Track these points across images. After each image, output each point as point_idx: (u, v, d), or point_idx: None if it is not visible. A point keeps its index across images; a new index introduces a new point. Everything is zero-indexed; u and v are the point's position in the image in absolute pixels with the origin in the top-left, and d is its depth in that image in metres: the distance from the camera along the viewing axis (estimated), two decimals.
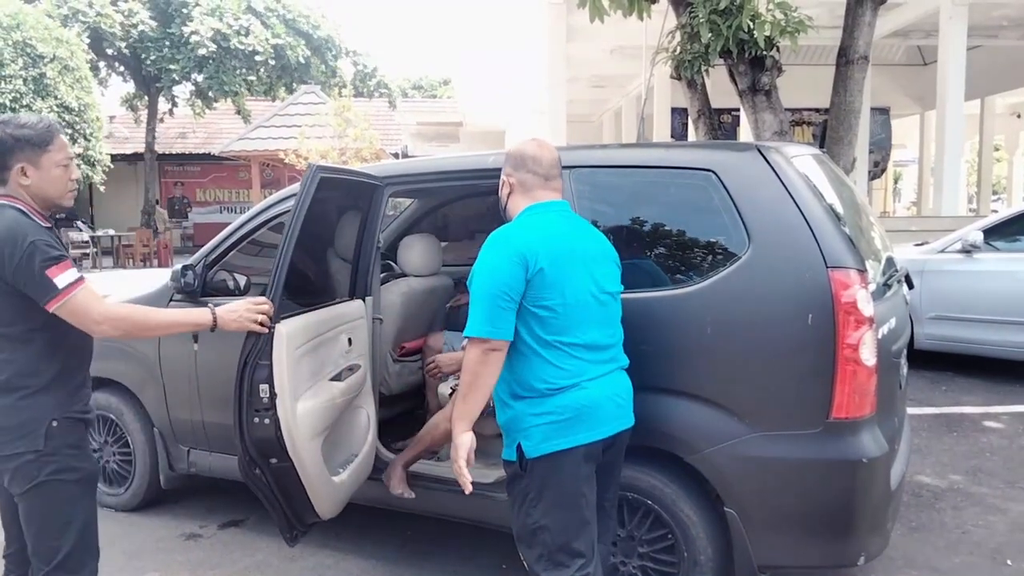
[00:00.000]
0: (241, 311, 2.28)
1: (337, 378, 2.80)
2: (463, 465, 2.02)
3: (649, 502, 2.46)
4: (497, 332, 1.97)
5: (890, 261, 2.93)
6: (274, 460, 2.48)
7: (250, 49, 18.52)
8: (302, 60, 20.20)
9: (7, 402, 1.96)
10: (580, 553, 2.03)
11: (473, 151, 4.19)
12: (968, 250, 5.83)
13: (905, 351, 2.85)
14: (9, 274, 1.91)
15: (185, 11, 18.47)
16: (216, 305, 2.28)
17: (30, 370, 1.98)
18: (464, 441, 2.02)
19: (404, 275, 3.84)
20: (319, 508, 2.62)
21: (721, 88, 5.64)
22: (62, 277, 1.92)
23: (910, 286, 3.14)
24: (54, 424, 2.00)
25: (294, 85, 20.42)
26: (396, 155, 16.99)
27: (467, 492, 2.05)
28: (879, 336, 2.28)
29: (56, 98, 14.14)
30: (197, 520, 3.59)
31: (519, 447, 2.02)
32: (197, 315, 2.23)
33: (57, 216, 2.16)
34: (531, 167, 2.15)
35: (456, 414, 2.04)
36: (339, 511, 2.76)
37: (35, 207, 2.03)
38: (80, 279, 1.96)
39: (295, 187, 2.90)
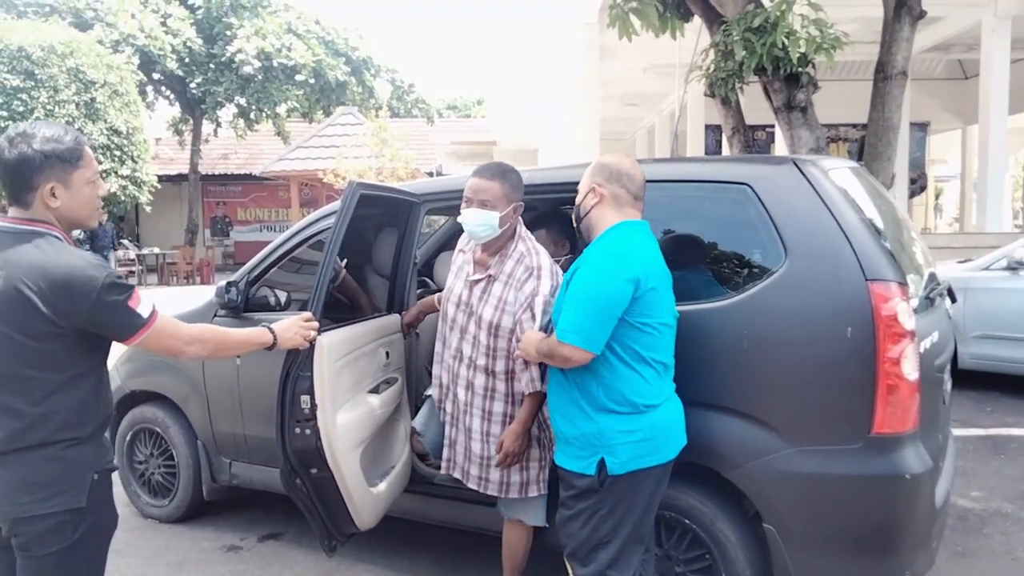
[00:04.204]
0: (296, 328, 2.32)
1: (375, 391, 2.85)
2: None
3: (687, 521, 2.44)
4: (593, 346, 2.02)
5: (932, 276, 2.88)
6: (314, 470, 2.53)
7: (292, 63, 19.01)
8: (341, 79, 20.64)
9: (47, 454, 1.72)
10: (627, 568, 2.09)
11: None
12: (1014, 267, 5.69)
13: (948, 366, 2.79)
14: (82, 315, 1.69)
15: (229, 33, 19.06)
16: (262, 322, 2.33)
17: (74, 420, 1.75)
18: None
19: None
20: (358, 519, 2.66)
21: (756, 104, 5.62)
22: (143, 306, 1.76)
23: (953, 299, 3.09)
24: (95, 478, 1.78)
25: (332, 107, 20.86)
26: (431, 174, 17.17)
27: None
28: (921, 350, 2.25)
29: (106, 121, 14.68)
30: (238, 532, 3.65)
31: (602, 462, 2.05)
32: (260, 335, 2.19)
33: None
34: (625, 183, 2.18)
35: (538, 350, 2.16)
36: (377, 522, 2.79)
37: (63, 232, 1.80)
38: (152, 303, 1.81)
39: (334, 205, 2.96)
